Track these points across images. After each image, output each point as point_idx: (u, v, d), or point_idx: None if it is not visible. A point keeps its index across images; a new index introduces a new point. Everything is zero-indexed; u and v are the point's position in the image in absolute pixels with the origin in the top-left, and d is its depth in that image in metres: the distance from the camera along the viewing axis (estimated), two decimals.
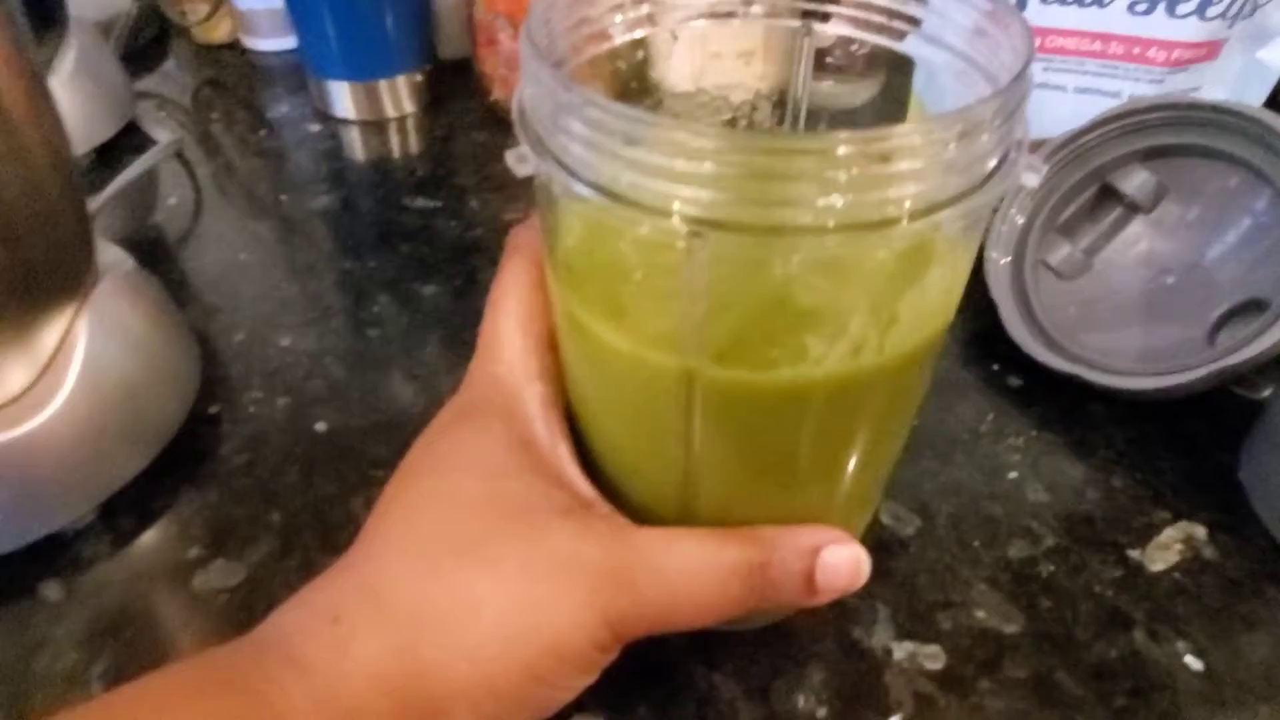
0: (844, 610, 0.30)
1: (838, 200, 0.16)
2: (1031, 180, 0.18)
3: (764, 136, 0.16)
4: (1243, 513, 0.32)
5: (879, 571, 0.31)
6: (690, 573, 0.21)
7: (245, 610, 0.30)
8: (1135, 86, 0.40)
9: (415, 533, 0.22)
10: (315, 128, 0.58)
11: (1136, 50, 0.39)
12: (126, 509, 0.33)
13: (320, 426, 0.36)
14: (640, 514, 0.24)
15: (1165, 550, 0.31)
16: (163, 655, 0.28)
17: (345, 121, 0.58)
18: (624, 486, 0.25)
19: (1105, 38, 0.39)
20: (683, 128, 0.16)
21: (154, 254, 0.46)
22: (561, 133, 0.17)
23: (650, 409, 0.21)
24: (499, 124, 0.58)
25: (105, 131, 0.52)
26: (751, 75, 0.26)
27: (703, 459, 0.21)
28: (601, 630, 0.21)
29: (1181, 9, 0.37)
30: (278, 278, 0.44)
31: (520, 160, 0.18)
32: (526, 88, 0.19)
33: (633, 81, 0.24)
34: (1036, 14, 0.39)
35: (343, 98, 0.57)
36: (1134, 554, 0.31)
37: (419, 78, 0.58)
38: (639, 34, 0.23)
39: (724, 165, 0.16)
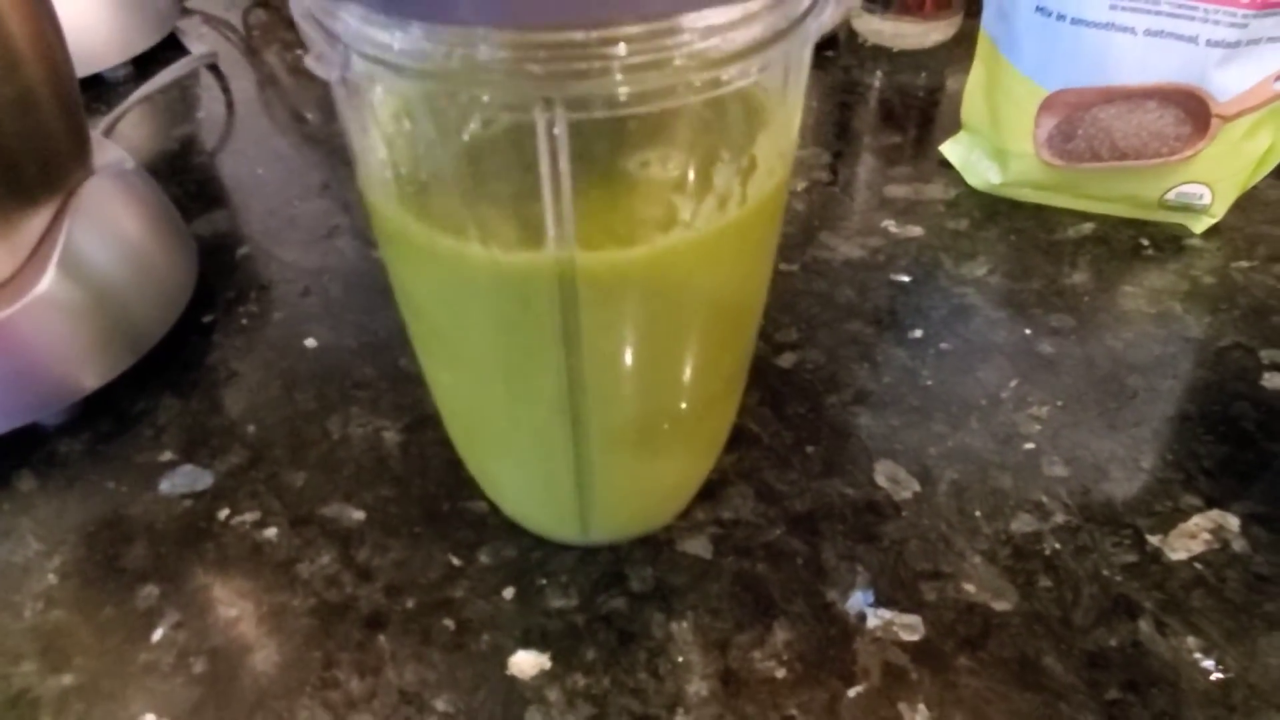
0: (820, 570, 0.27)
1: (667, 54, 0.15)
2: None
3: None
4: None
5: (865, 534, 0.29)
6: None
7: (206, 518, 0.29)
8: (1215, 30, 0.36)
9: None
10: None
11: None
12: (106, 409, 0.33)
13: (310, 343, 0.36)
14: (525, 437, 0.22)
15: (1190, 539, 0.28)
16: (118, 554, 0.28)
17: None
18: (501, 419, 0.23)
19: None
20: None
21: (174, 163, 0.46)
22: (375, 25, 0.15)
23: (523, 320, 0.19)
24: None
25: (143, 42, 0.52)
26: None
27: (589, 359, 0.19)
28: None
29: None
30: (291, 194, 0.43)
31: (324, 62, 0.16)
32: None
33: None
34: None
35: None
36: (1153, 539, 0.28)
37: None
38: None
39: (564, 41, 0.14)
